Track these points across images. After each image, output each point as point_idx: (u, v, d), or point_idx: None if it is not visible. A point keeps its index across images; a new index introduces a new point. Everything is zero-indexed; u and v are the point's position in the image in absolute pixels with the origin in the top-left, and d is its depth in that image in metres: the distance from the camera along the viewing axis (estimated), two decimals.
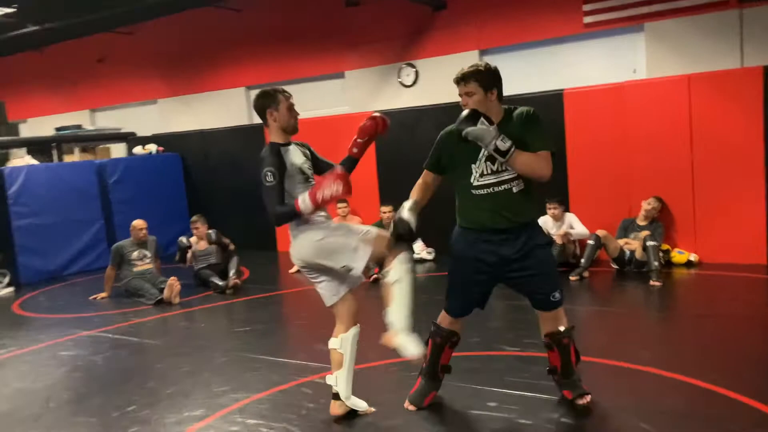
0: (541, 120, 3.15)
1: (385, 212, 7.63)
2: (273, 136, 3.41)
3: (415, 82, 8.52)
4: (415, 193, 3.34)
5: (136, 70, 11.33)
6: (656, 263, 6.18)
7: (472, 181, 3.17)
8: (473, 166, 3.15)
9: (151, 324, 5.98)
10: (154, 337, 5.53)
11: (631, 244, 6.60)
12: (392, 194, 8.09)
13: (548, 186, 7.15)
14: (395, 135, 8.58)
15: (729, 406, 3.32)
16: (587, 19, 7.26)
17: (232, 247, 7.38)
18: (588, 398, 3.32)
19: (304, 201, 3.21)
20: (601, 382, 3.68)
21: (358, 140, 3.52)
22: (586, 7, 7.23)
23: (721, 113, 6.41)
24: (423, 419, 3.44)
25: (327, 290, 3.44)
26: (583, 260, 6.52)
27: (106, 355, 5.06)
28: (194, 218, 7.45)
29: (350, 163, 3.54)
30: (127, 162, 9.82)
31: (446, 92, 8.15)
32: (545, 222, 7.07)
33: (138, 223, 7.26)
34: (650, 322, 5.19)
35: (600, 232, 6.55)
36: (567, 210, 7.08)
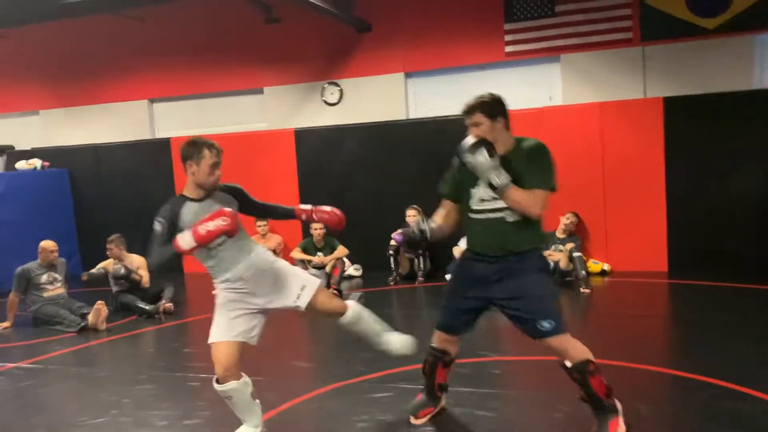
0: (545, 155, 3.08)
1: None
2: (187, 188, 3.21)
3: (339, 101, 8.60)
4: (437, 219, 3.36)
5: (14, 78, 10.27)
6: (583, 272, 6.77)
7: (471, 204, 3.19)
8: (473, 190, 3.16)
9: (86, 351, 5.47)
10: (95, 365, 5.07)
11: (554, 256, 7.16)
12: None
13: None
14: (318, 151, 8.64)
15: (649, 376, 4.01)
16: (508, 48, 7.83)
17: (145, 281, 6.90)
18: None
19: (183, 237, 2.95)
20: (552, 375, 4.00)
21: (313, 215, 3.46)
22: (508, 38, 7.80)
23: (628, 137, 7.21)
24: None
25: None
26: None
27: (51, 387, 4.57)
28: (111, 238, 6.90)
29: (287, 213, 3.51)
30: (9, 178, 8.88)
31: (371, 111, 8.42)
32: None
33: (48, 244, 6.61)
34: (594, 323, 5.69)
35: None
36: None
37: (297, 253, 7.55)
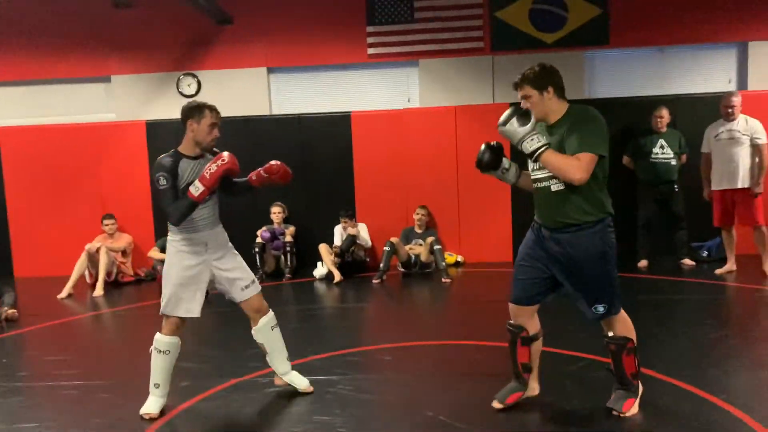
0: (592, 119, 3.02)
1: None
2: (183, 145, 3.48)
3: (197, 93, 8.28)
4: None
5: None
6: (444, 264, 7.23)
7: (530, 172, 3.24)
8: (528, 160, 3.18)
9: None
10: None
11: (415, 249, 7.57)
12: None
13: (338, 198, 7.83)
14: (174, 146, 8.17)
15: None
16: (370, 51, 8.09)
17: None
18: (621, 413, 3.24)
19: (194, 185, 3.30)
20: (433, 358, 4.38)
21: (261, 172, 3.63)
22: (370, 40, 8.07)
23: (479, 139, 7.63)
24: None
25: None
26: (381, 265, 7.25)
27: None
28: None
29: (245, 185, 3.70)
30: None
31: (232, 106, 8.21)
32: (337, 233, 7.68)
33: None
34: (456, 308, 6.12)
35: (393, 239, 7.37)
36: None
37: (155, 253, 7.18)
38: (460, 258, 7.95)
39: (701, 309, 5.57)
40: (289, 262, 7.54)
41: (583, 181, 2.94)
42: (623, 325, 3.22)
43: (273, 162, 3.63)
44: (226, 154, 3.33)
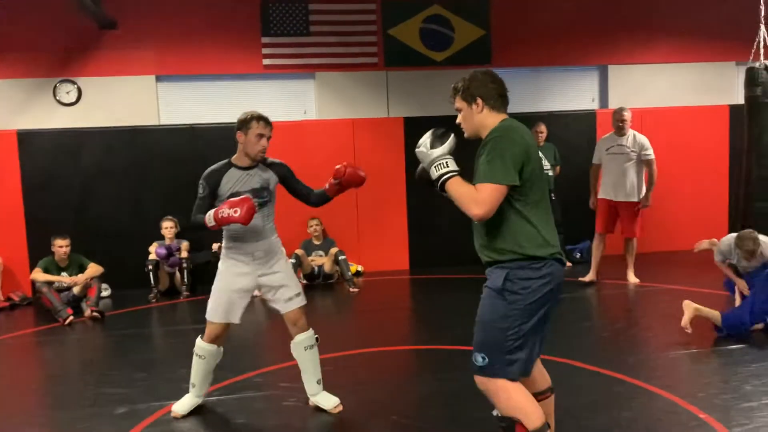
0: (495, 141, 2.50)
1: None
2: (236, 155, 3.58)
3: (77, 101, 7.69)
4: None
5: None
6: (350, 273, 7.34)
7: None
8: None
9: None
10: None
11: (317, 261, 7.60)
12: (43, 225, 7.15)
13: None
14: (51, 158, 7.57)
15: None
16: (266, 62, 8.01)
17: None
18: None
19: (209, 215, 3.36)
20: (354, 369, 4.55)
21: (332, 180, 3.62)
22: (265, 51, 7.98)
23: (376, 150, 8.04)
24: None
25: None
26: None
27: None
28: None
29: (322, 195, 3.72)
30: None
31: (117, 115, 7.74)
32: None
33: None
34: (361, 317, 6.26)
35: (298, 252, 7.35)
36: None
37: (39, 275, 6.54)
38: (360, 268, 8.09)
39: (592, 305, 6.19)
40: (185, 279, 7.23)
41: (481, 217, 2.44)
42: (506, 400, 2.50)
43: (338, 166, 3.59)
44: (247, 203, 3.25)
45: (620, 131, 6.69)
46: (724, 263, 5.33)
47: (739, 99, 8.98)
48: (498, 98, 2.63)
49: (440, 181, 2.53)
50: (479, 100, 2.61)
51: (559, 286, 2.57)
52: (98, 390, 4.23)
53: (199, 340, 3.68)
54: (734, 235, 5.21)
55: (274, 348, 5.09)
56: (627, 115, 6.66)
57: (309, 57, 8.07)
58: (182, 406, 3.70)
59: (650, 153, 6.64)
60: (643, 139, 6.70)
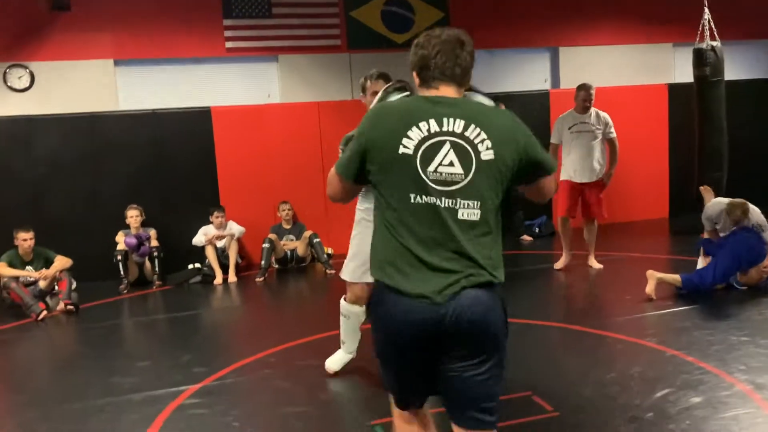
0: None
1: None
2: None
3: (30, 87, 7.32)
4: None
5: None
6: (325, 256, 7.38)
7: None
8: None
9: None
10: None
11: (289, 245, 7.60)
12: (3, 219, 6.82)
13: (200, 197, 7.51)
14: (2, 148, 7.14)
15: None
16: (228, 44, 7.86)
17: None
18: None
19: None
20: None
21: None
22: (227, 33, 7.84)
23: (342, 133, 7.76)
24: None
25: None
26: (262, 262, 7.15)
27: None
28: None
29: None
30: None
31: (73, 101, 7.42)
32: (201, 232, 7.31)
33: None
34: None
35: (272, 236, 7.32)
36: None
37: (5, 269, 6.23)
38: (330, 250, 8.13)
39: (561, 275, 6.51)
40: (156, 268, 7.07)
41: (331, 200, 2.20)
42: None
43: None
44: None
45: (585, 109, 6.33)
46: (714, 228, 5.68)
47: (677, 78, 9.68)
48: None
49: None
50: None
51: (402, 324, 1.91)
52: (106, 380, 4.14)
53: (343, 302, 3.81)
54: (721, 200, 5.57)
55: (282, 329, 5.12)
56: (593, 92, 6.34)
57: (272, 39, 7.99)
58: (334, 362, 3.89)
59: (613, 130, 6.40)
60: (606, 117, 6.37)
